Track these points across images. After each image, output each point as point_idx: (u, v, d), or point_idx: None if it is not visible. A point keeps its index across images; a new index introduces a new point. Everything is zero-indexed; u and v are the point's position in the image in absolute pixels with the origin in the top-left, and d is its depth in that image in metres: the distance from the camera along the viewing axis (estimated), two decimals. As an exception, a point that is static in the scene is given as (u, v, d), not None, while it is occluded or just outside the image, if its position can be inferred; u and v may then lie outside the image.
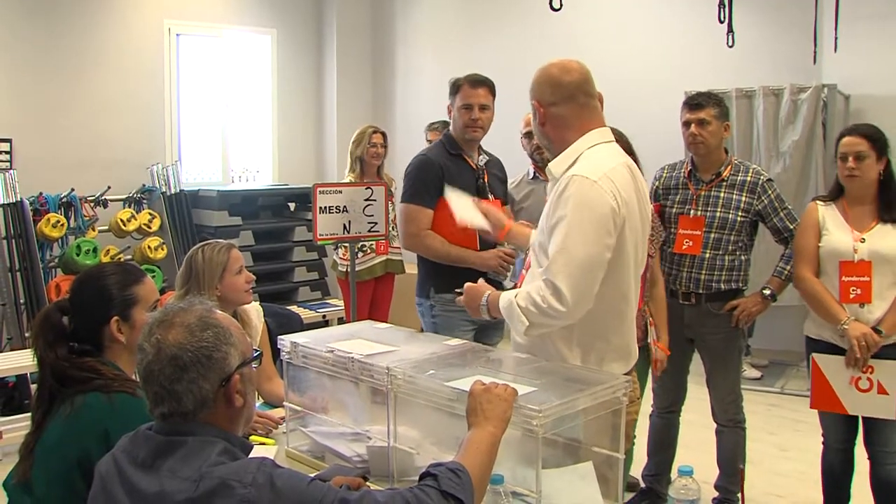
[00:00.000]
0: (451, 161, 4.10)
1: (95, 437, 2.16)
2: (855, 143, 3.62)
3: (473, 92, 4.07)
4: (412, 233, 4.11)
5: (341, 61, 9.56)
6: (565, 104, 2.71)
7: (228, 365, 1.79)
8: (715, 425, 4.22)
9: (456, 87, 4.12)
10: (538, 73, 2.77)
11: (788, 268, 3.99)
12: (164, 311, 1.86)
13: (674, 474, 4.30)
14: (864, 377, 3.59)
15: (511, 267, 4.08)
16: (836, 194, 3.77)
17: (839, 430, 3.82)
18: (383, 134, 6.26)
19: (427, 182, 4.04)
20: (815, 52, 6.03)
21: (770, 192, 4.00)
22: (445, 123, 5.86)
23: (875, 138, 3.61)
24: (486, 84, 4.12)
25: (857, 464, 3.82)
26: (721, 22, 5.11)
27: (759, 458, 4.85)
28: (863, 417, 3.70)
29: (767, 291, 4.06)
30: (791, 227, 3.97)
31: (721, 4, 5.06)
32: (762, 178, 4.03)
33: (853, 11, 6.13)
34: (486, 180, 4.16)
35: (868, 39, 6.43)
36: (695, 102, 4.00)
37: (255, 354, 1.91)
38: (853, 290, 3.60)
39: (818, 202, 3.82)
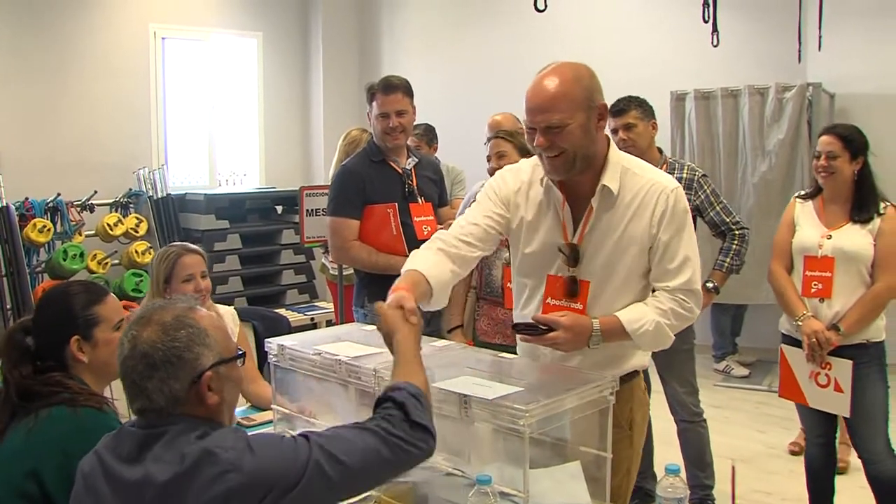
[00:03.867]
0: (374, 168, 4.06)
1: (54, 450, 2.15)
2: (828, 143, 3.69)
3: (387, 99, 4.01)
4: (338, 245, 4.11)
5: (327, 64, 9.56)
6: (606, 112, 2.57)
7: (200, 365, 1.80)
8: (676, 425, 4.26)
9: (371, 95, 4.08)
10: (588, 74, 2.50)
11: (728, 260, 4.16)
12: (146, 307, 1.89)
13: (657, 470, 4.32)
14: (822, 373, 3.66)
15: None
16: (815, 192, 3.83)
17: (816, 425, 3.87)
18: None
19: (349, 193, 4.03)
20: (799, 51, 6.07)
21: (706, 186, 4.15)
22: (428, 128, 5.87)
23: (850, 139, 3.66)
24: (401, 87, 4.04)
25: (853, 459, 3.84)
26: (706, 21, 5.13)
27: (747, 455, 4.87)
28: (843, 417, 3.74)
29: (710, 284, 4.18)
30: (727, 220, 4.15)
31: (705, 4, 5.09)
32: (697, 174, 4.18)
33: (837, 10, 6.17)
34: (414, 183, 4.11)
35: (853, 38, 6.48)
36: (617, 108, 4.12)
37: (239, 354, 1.92)
38: (815, 285, 3.69)
39: (797, 199, 3.91)
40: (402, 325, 2.14)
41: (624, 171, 2.55)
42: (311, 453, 1.73)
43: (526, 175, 2.68)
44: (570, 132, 2.42)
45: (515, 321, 2.71)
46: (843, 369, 3.60)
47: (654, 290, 2.58)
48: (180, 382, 1.77)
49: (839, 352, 3.61)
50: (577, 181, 2.54)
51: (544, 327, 2.44)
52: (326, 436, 1.81)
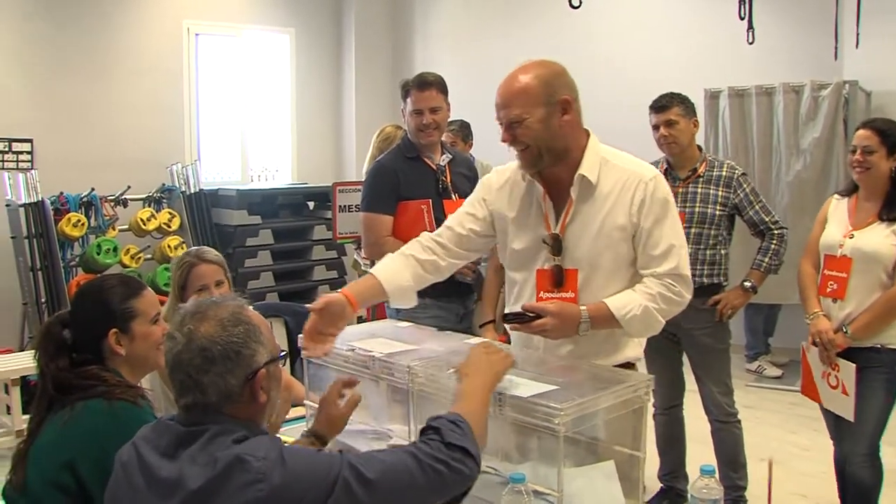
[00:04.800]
0: (408, 164, 4.04)
1: (90, 443, 2.16)
2: (865, 137, 3.61)
3: (421, 95, 3.99)
4: (371, 241, 4.08)
5: (360, 60, 9.58)
6: (578, 102, 2.62)
7: (256, 362, 1.81)
8: (710, 425, 4.22)
9: (405, 92, 4.06)
10: (549, 71, 2.57)
11: (767, 260, 4.10)
12: (198, 303, 1.88)
13: (689, 470, 4.30)
14: (832, 374, 3.62)
15: (476, 269, 4.07)
16: (851, 189, 3.77)
17: (843, 429, 3.80)
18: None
19: (383, 189, 4.02)
20: (836, 48, 6.01)
21: (745, 185, 4.10)
22: (464, 124, 5.86)
23: (888, 133, 3.58)
24: (435, 84, 4.01)
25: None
26: (741, 18, 5.09)
27: (780, 457, 4.81)
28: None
29: (748, 284, 4.15)
30: (766, 219, 4.09)
31: (741, 1, 5.04)
32: (737, 172, 4.12)
33: (875, 7, 6.09)
34: (448, 180, 4.08)
35: (890, 35, 6.38)
36: (660, 105, 4.10)
37: (282, 354, 1.93)
38: (830, 285, 3.65)
39: (835, 196, 3.86)
40: (475, 375, 2.11)
41: (603, 161, 2.62)
42: (340, 470, 1.71)
43: (510, 173, 2.77)
44: (529, 126, 2.51)
45: (506, 311, 2.76)
46: (848, 372, 3.55)
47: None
48: (236, 378, 1.78)
49: (849, 354, 3.56)
50: (556, 174, 2.62)
51: (532, 315, 2.49)
52: (360, 455, 1.79)
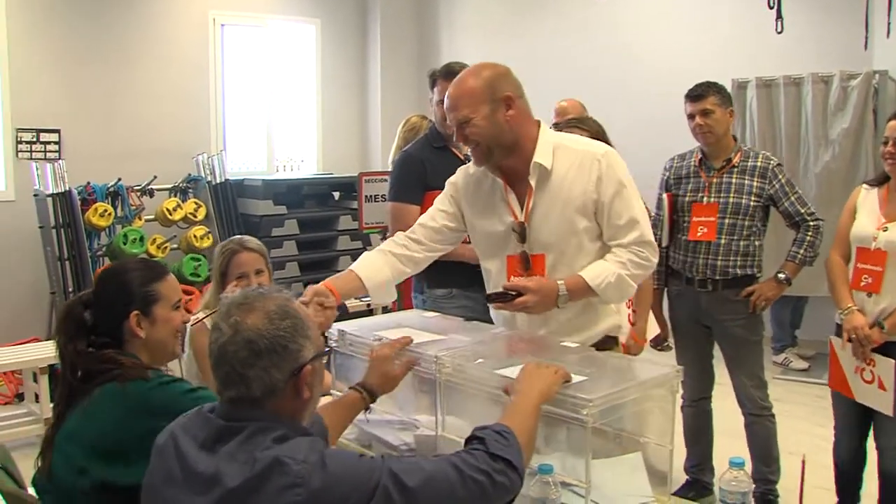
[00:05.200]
0: (436, 154, 4.01)
1: (107, 428, 2.17)
2: (895, 128, 3.56)
3: (449, 86, 3.97)
4: (399, 231, 4.08)
5: (385, 50, 9.58)
6: (523, 98, 2.78)
7: (302, 357, 1.77)
8: (743, 418, 4.20)
9: (433, 81, 4.04)
10: (490, 72, 2.75)
11: (802, 252, 4.03)
12: (244, 293, 1.84)
13: (716, 463, 4.28)
14: (867, 369, 3.56)
15: None
16: (881, 179, 3.71)
17: (851, 423, 3.81)
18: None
19: (410, 179, 4.00)
20: (866, 38, 5.93)
21: (780, 176, 4.03)
22: None
23: None
24: None
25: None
26: (770, 7, 5.05)
27: (805, 450, 4.78)
28: (873, 410, 3.65)
29: (782, 276, 4.08)
30: (802, 210, 4.02)
31: (770, -10, 5.00)
32: (772, 162, 4.06)
33: (907, -4, 6.01)
34: None
35: (922, 25, 6.31)
36: (696, 94, 4.04)
37: (327, 350, 1.91)
38: (864, 279, 3.58)
39: (863, 186, 3.80)
40: (528, 391, 2.07)
41: (556, 146, 2.78)
42: (381, 477, 1.67)
43: (474, 169, 2.93)
44: (476, 125, 2.69)
45: (488, 293, 2.89)
46: (886, 368, 3.48)
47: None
48: (282, 373, 1.74)
49: (886, 349, 3.51)
50: (512, 166, 2.79)
51: (514, 293, 2.63)
52: (401, 461, 1.75)
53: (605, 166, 2.72)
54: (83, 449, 2.18)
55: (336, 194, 8.76)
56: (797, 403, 5.83)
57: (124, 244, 7.00)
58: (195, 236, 7.58)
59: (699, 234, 4.05)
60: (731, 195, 4.01)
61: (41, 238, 7.02)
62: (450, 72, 3.95)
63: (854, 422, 3.79)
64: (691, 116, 4.05)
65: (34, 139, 7.46)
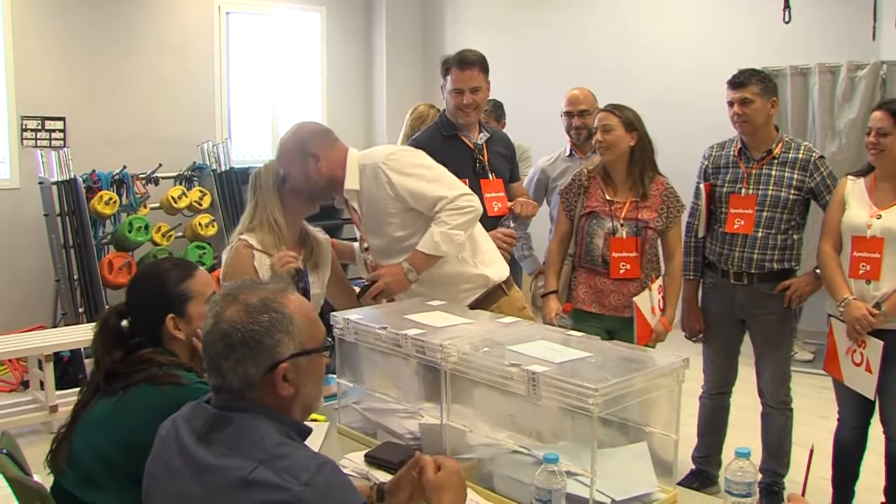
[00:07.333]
0: (445, 142, 3.98)
1: (142, 419, 2.13)
2: (878, 119, 3.59)
3: (462, 75, 3.91)
4: None
5: (390, 39, 9.54)
6: (333, 146, 3.37)
7: (279, 353, 1.74)
8: (761, 408, 4.19)
9: (445, 69, 3.99)
10: (298, 135, 3.37)
11: None
12: (236, 283, 1.84)
13: (724, 456, 4.27)
14: (858, 351, 3.60)
15: (515, 244, 4.06)
16: (867, 170, 3.72)
17: (854, 409, 3.82)
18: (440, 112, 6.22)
19: None
20: (874, 28, 5.92)
21: (822, 169, 3.93)
22: (497, 104, 5.82)
23: None
24: (477, 63, 3.94)
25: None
26: (777, -3, 5.03)
27: (810, 441, 4.77)
28: (879, 395, 3.67)
29: (819, 271, 4.00)
30: None
31: (779, -20, 4.98)
32: (814, 155, 3.96)
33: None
34: (485, 159, 4.05)
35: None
36: (737, 81, 3.95)
37: (326, 345, 1.86)
38: (862, 266, 3.60)
39: (849, 177, 3.79)
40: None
41: (361, 168, 3.32)
42: None
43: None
44: (296, 178, 3.31)
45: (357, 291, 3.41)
46: (874, 349, 3.53)
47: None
48: (256, 367, 1.72)
49: (878, 334, 3.54)
50: (341, 199, 3.40)
51: (371, 282, 3.25)
52: None
53: (388, 169, 3.23)
54: (110, 440, 2.19)
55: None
56: (801, 395, 5.71)
57: (129, 232, 6.99)
58: (200, 224, 7.57)
59: (736, 226, 3.98)
60: (771, 187, 3.93)
61: (46, 226, 7.03)
62: (464, 60, 3.92)
63: (857, 407, 3.81)
64: (731, 104, 3.95)
65: (39, 127, 7.45)
